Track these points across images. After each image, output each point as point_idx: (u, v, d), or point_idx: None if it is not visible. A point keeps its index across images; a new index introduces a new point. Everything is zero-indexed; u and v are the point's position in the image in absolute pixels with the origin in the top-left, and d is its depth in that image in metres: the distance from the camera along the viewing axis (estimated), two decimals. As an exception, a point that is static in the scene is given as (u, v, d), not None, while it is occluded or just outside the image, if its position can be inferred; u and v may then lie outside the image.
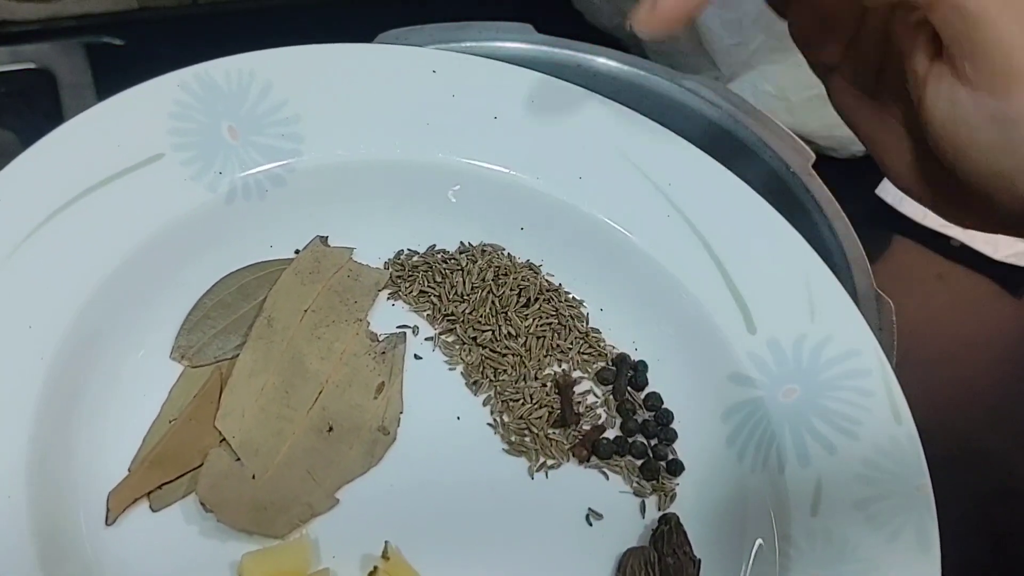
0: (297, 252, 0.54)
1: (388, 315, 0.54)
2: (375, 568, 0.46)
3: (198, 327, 0.51)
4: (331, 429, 0.50)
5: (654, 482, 0.52)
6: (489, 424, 0.52)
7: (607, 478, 0.52)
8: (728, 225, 0.55)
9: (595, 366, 0.55)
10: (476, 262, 0.55)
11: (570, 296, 0.56)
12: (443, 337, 0.54)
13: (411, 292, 0.55)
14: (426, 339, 0.54)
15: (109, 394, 0.48)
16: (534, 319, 0.54)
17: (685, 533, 0.50)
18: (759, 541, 0.49)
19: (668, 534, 0.49)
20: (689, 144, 0.56)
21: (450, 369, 0.53)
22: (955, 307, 0.83)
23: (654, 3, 0.42)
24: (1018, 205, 0.42)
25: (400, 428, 0.51)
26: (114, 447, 0.48)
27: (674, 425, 0.53)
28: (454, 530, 0.49)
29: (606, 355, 0.55)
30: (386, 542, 0.47)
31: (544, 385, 0.53)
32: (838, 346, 0.52)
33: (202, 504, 0.46)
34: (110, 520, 0.46)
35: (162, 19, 0.77)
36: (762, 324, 0.53)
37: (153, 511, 0.47)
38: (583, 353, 0.55)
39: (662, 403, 0.54)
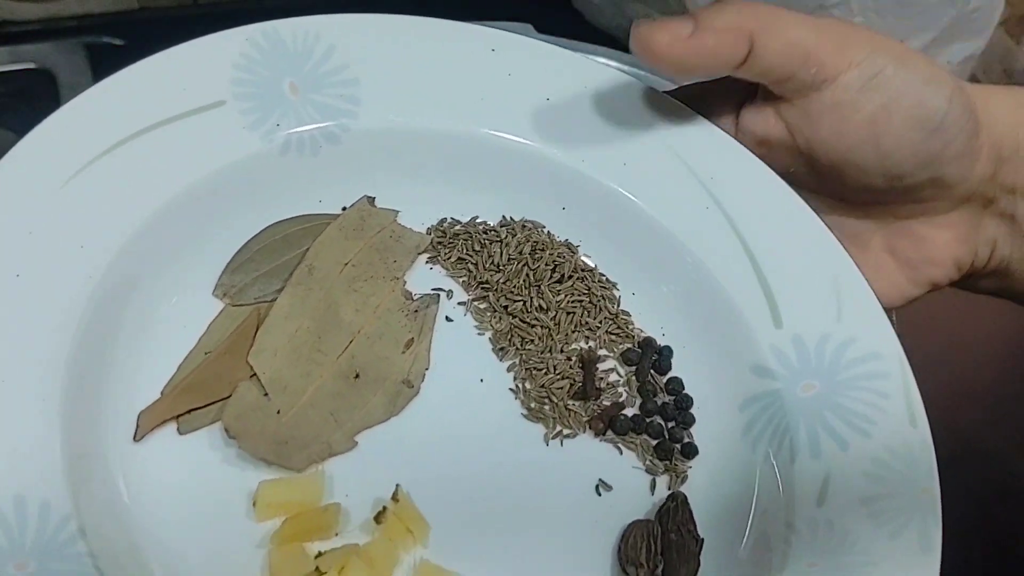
0: (344, 209, 0.56)
1: (425, 277, 0.56)
2: (384, 508, 0.48)
3: (242, 268, 0.53)
4: (357, 376, 0.51)
5: (667, 462, 0.53)
6: (511, 389, 0.53)
7: (621, 453, 0.53)
8: (766, 222, 0.56)
9: (621, 347, 0.56)
10: (515, 235, 0.57)
11: (604, 278, 0.57)
12: (475, 303, 0.56)
13: (449, 258, 0.56)
14: (459, 303, 0.55)
15: (150, 321, 0.51)
16: (566, 295, 0.56)
17: (691, 511, 0.51)
18: (761, 526, 0.50)
19: (674, 511, 0.50)
20: (735, 141, 0.57)
21: (479, 334, 0.55)
22: (955, 307, 0.83)
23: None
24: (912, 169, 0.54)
25: (424, 383, 0.52)
26: (150, 372, 0.50)
27: (692, 411, 0.54)
28: (464, 484, 0.50)
29: (633, 337, 0.56)
30: (397, 485, 0.48)
31: (569, 359, 0.55)
32: (861, 347, 0.53)
33: (226, 431, 0.48)
34: (138, 436, 0.48)
35: (162, 19, 0.78)
36: (789, 320, 0.54)
37: (180, 434, 0.49)
38: (611, 333, 0.56)
39: (683, 388, 0.55)
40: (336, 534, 0.47)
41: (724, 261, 0.55)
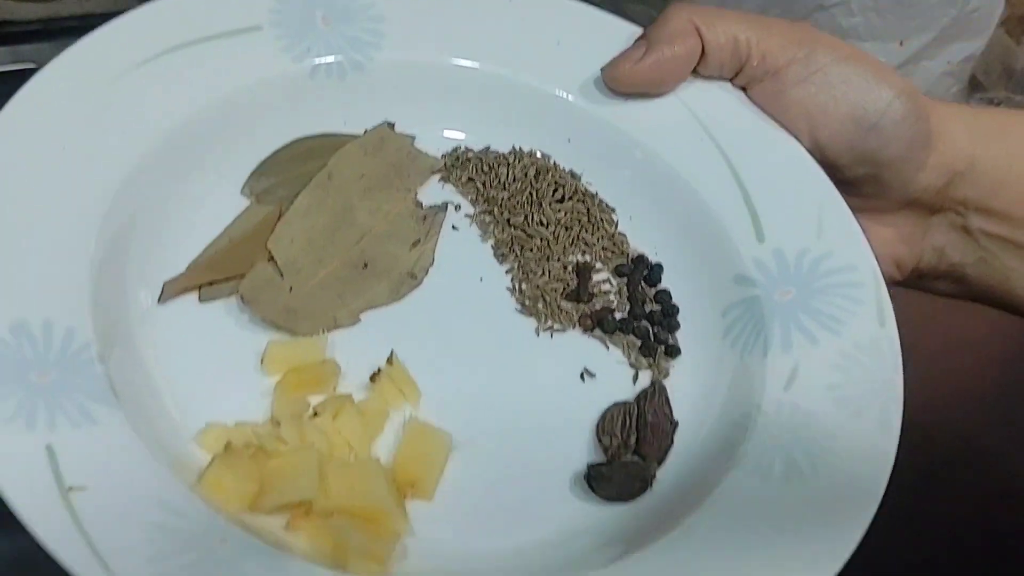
0: (366, 131, 0.61)
1: (436, 194, 0.61)
2: (378, 370, 0.52)
3: (269, 173, 0.59)
4: (366, 266, 0.56)
5: (650, 359, 0.56)
6: (508, 288, 0.58)
7: (608, 349, 0.57)
8: (754, 153, 0.60)
9: (615, 262, 0.60)
10: (521, 160, 0.61)
11: (604, 203, 0.61)
12: (481, 215, 0.60)
13: (460, 178, 0.61)
14: (466, 215, 0.60)
15: (183, 209, 0.55)
16: (566, 213, 0.60)
17: (668, 397, 0.54)
18: (731, 408, 0.53)
19: (652, 394, 0.54)
20: (727, 82, 0.62)
21: (482, 241, 0.59)
22: (955, 306, 0.83)
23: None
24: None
25: (427, 277, 0.57)
26: (177, 249, 0.55)
27: (678, 319, 0.58)
28: (457, 363, 0.55)
29: (627, 254, 0.60)
30: (392, 351, 0.53)
31: (565, 267, 0.59)
32: (837, 260, 0.57)
33: (241, 298, 0.53)
34: (162, 300, 0.53)
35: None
36: (771, 235, 0.58)
37: (201, 302, 0.54)
38: (606, 249, 0.60)
39: (671, 299, 0.59)
40: (334, 389, 0.52)
41: (715, 186, 0.60)
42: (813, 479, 0.49)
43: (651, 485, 0.51)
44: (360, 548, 0.45)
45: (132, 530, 0.42)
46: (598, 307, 0.58)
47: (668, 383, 0.55)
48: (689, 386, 0.55)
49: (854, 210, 0.60)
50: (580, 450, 0.53)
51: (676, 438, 0.53)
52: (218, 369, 0.51)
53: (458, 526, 0.49)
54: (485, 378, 0.54)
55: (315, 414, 0.50)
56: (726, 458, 0.51)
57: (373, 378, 0.52)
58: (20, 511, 0.41)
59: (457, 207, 0.60)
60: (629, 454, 0.52)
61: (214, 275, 0.54)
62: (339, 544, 0.45)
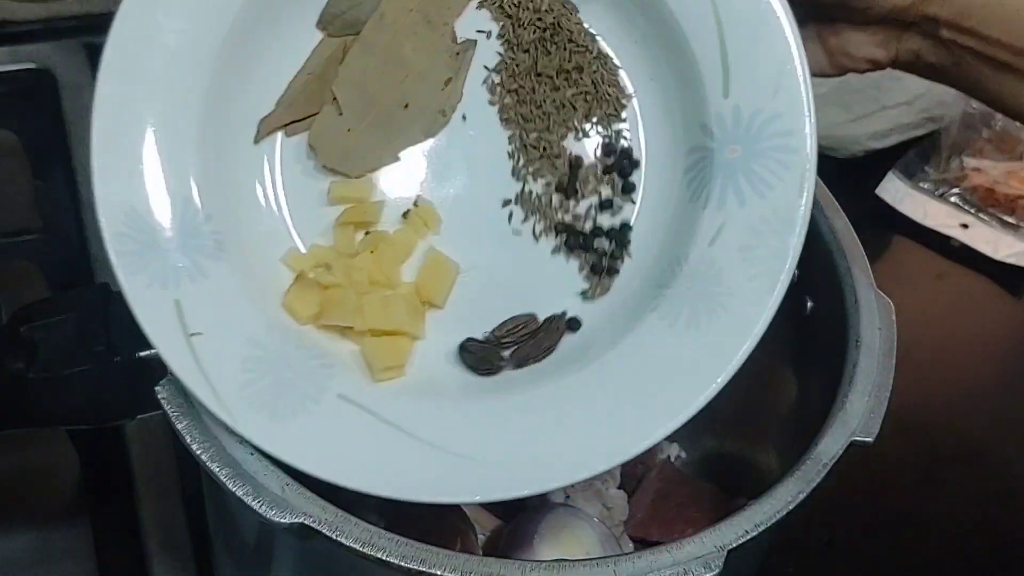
0: (417, -37, 0.73)
1: (473, 18, 0.73)
2: (408, 210, 0.71)
3: (336, 6, 0.72)
4: (407, 106, 0.72)
5: (595, 279, 0.71)
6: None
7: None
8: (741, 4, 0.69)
9: (612, 126, 0.73)
10: (552, 12, 0.72)
11: (614, 63, 0.73)
12: (493, 75, 0.73)
13: (495, 4, 0.73)
14: (484, 67, 0.73)
15: (269, 48, 0.71)
16: (573, 90, 0.72)
17: (562, 329, 0.70)
18: (666, 253, 0.70)
19: (553, 321, 0.70)
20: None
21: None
22: (955, 307, 0.84)
23: None
24: None
25: (455, 114, 0.73)
26: (270, 85, 0.72)
27: (649, 152, 0.73)
28: (467, 200, 0.73)
29: (619, 131, 0.73)
30: (418, 195, 0.71)
31: (563, 139, 0.72)
32: (782, 123, 0.68)
33: (310, 146, 0.71)
34: (258, 139, 0.71)
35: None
36: (735, 92, 0.69)
37: (287, 136, 0.72)
38: (607, 114, 0.73)
39: (632, 165, 0.73)
40: (377, 225, 0.71)
41: (701, 35, 0.69)
42: (705, 332, 0.66)
43: (496, 373, 0.68)
44: (383, 361, 0.68)
45: (232, 363, 0.65)
46: (581, 207, 0.73)
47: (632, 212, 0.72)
48: (646, 224, 0.72)
49: (828, 21, 0.69)
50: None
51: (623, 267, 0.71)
52: (295, 203, 0.72)
53: (453, 330, 0.71)
54: (490, 216, 0.73)
55: (359, 251, 0.70)
56: (650, 299, 0.69)
57: (405, 215, 0.71)
58: (162, 354, 0.65)
59: (488, 34, 0.73)
60: (506, 350, 0.69)
61: (295, 115, 0.72)
62: (368, 359, 0.68)
